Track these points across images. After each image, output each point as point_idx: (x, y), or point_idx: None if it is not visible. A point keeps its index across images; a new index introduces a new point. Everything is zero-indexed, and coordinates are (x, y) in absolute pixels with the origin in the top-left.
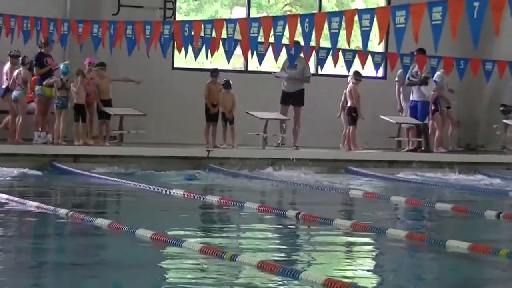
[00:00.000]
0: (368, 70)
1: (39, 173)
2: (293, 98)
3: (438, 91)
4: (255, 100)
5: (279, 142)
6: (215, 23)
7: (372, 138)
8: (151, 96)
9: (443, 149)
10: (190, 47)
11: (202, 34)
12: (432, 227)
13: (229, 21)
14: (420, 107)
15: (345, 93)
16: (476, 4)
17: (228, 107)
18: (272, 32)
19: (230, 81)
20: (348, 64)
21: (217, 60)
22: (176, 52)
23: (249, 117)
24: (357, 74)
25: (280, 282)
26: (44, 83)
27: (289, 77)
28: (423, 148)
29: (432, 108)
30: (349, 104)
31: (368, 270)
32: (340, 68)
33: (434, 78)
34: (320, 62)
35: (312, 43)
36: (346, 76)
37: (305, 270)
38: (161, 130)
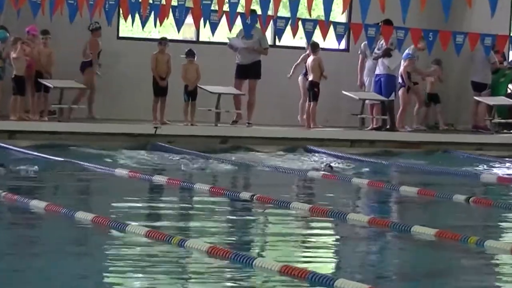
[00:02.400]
0: (330, 41)
1: None
2: (248, 71)
3: (411, 65)
4: (207, 73)
5: (234, 119)
6: None
7: (333, 116)
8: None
9: (408, 127)
10: (137, 15)
11: (150, 0)
12: (396, 212)
13: None
14: (385, 82)
15: (307, 65)
16: None
17: (191, 80)
18: (226, 0)
19: (194, 51)
20: (308, 35)
21: (166, 29)
22: (121, 20)
23: (200, 91)
24: (313, 46)
25: (232, 270)
26: None
27: (244, 48)
28: (388, 127)
29: (399, 82)
30: (310, 78)
31: (327, 257)
32: (299, 40)
33: (408, 50)
34: (278, 33)
35: (270, 12)
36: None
37: (259, 256)
38: (105, 105)
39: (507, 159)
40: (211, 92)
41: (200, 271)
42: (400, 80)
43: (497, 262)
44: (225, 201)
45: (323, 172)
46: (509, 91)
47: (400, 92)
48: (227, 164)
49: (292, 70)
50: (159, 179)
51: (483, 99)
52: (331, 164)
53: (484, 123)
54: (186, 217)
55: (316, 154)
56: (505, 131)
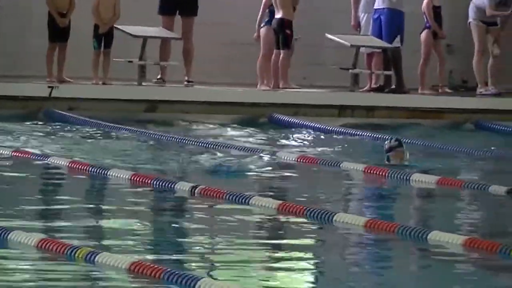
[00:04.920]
0: None
1: None
2: (178, 3)
3: None
4: (126, 9)
5: (160, 75)
6: None
7: (313, 71)
8: None
9: (427, 90)
10: None
11: None
12: (404, 212)
13: None
14: (386, 20)
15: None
16: None
17: (105, 18)
18: None
19: None
20: None
21: None
22: None
23: (117, 34)
24: None
25: None
26: None
27: None
28: (393, 87)
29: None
30: (279, 15)
31: (303, 279)
32: None
33: None
34: None
35: None
36: None
37: (203, 277)
38: None
39: None
40: (132, 35)
41: None
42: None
43: None
44: (153, 195)
45: (297, 153)
46: None
47: (423, 36)
48: (155, 138)
49: (257, 26)
50: (58, 161)
51: None
52: (397, 138)
53: None
54: (96, 217)
55: (288, 128)
56: None
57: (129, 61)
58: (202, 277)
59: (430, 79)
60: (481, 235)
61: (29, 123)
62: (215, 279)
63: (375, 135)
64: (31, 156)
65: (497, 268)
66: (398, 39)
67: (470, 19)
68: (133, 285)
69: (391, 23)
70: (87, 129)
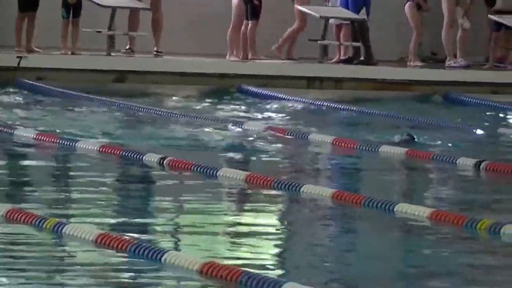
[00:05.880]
0: None
1: None
2: None
3: None
4: None
5: (129, 46)
6: None
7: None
8: None
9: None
10: None
11: None
12: (371, 184)
13: None
14: None
15: None
16: None
17: None
18: None
19: None
20: None
21: None
22: None
23: (86, 4)
24: None
25: (131, 268)
26: None
27: None
28: (362, 58)
29: None
30: None
31: (267, 251)
32: None
33: None
34: None
35: None
36: None
37: (169, 250)
38: None
39: None
40: (101, 5)
41: (88, 261)
42: None
43: None
44: (122, 163)
45: (267, 124)
46: None
47: (406, 9)
48: (123, 109)
49: None
50: (24, 133)
51: (501, 20)
52: (410, 133)
53: (503, 54)
54: (64, 190)
55: (255, 98)
56: None
57: (98, 31)
58: (168, 250)
59: (400, 51)
60: (448, 208)
61: None
62: (181, 250)
63: (344, 107)
64: None
65: (462, 241)
66: (364, 11)
67: None
68: (101, 257)
69: None
70: (57, 100)
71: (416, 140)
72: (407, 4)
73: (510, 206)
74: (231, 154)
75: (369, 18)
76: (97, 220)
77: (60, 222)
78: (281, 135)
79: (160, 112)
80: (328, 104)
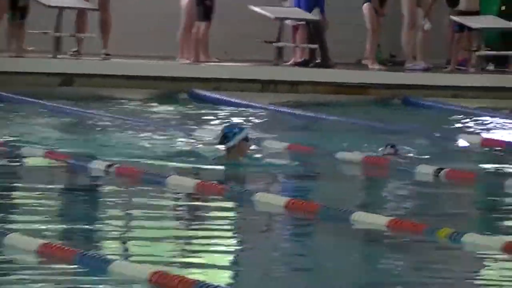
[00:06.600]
0: None
1: None
2: None
3: None
4: None
5: (76, 48)
6: None
7: (236, 44)
8: None
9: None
10: None
11: None
12: (327, 192)
13: None
14: None
15: None
16: None
17: None
18: None
19: None
20: None
21: None
22: None
23: (33, 5)
24: None
25: (75, 273)
26: None
27: None
28: (318, 61)
29: None
30: None
31: (220, 258)
32: None
33: None
34: None
35: None
36: None
37: (116, 260)
38: None
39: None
40: (48, 6)
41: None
42: None
43: None
44: (67, 171)
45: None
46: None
47: (364, 10)
48: (70, 115)
49: None
50: None
51: (464, 21)
52: (393, 144)
53: (465, 56)
54: (5, 197)
55: (208, 103)
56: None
57: (44, 33)
58: (115, 260)
59: (356, 53)
60: (406, 216)
61: None
62: (128, 259)
63: (298, 113)
64: None
65: (420, 248)
66: (317, 10)
67: None
68: (43, 266)
69: None
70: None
71: (399, 153)
72: (365, 5)
73: (469, 214)
74: (180, 161)
75: (325, 16)
76: (41, 227)
77: (1, 231)
78: None
79: (107, 117)
80: (283, 109)
